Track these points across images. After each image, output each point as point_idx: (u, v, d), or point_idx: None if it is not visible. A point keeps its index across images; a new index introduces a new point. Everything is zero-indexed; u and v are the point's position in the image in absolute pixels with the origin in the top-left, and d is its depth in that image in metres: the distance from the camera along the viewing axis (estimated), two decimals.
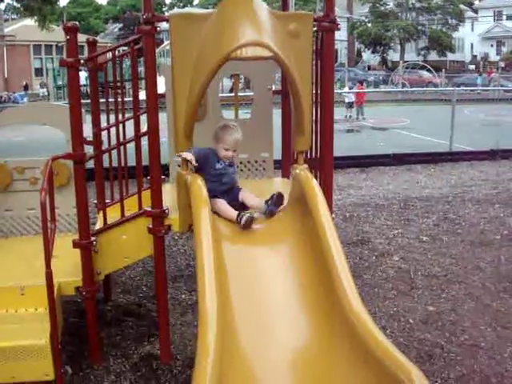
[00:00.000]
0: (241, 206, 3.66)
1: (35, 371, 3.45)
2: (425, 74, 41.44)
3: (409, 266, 5.89)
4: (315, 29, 3.82)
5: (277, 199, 3.56)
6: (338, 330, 2.80)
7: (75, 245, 3.79)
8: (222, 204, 3.60)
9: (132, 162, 4.14)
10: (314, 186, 3.41)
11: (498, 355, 4.17)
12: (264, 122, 4.85)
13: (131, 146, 4.09)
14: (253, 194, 3.76)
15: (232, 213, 3.52)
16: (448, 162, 12.19)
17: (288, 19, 3.52)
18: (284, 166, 4.95)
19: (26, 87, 38.94)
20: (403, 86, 35.48)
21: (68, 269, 3.93)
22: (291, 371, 2.76)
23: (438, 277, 5.60)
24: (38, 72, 44.96)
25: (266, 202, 3.58)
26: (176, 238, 6.77)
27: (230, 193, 3.72)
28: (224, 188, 3.71)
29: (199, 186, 3.38)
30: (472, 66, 55.44)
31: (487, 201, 8.68)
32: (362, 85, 26.00)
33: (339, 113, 21.76)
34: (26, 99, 29.91)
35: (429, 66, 41.41)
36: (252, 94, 5.07)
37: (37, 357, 3.41)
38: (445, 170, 11.44)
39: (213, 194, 3.56)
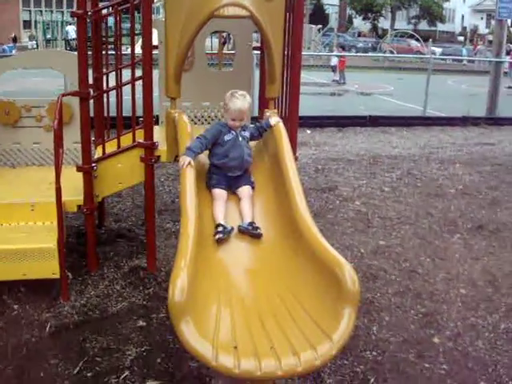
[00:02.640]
0: None
1: (44, 270, 4.16)
2: (413, 43, 41.91)
3: (368, 209, 6.67)
4: None
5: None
6: (295, 242, 3.48)
7: (79, 169, 4.46)
8: (215, 200, 3.64)
9: (127, 113, 4.75)
10: (280, 125, 4.10)
11: (431, 279, 4.97)
12: (244, 74, 5.54)
13: (127, 98, 4.68)
14: (250, 208, 3.70)
15: (216, 218, 3.52)
16: (421, 126, 12.95)
17: None
18: (260, 112, 5.63)
19: (14, 39, 38.83)
20: (391, 54, 35.92)
21: (71, 191, 4.59)
22: (255, 266, 3.49)
23: (391, 219, 6.39)
24: (27, 24, 44.75)
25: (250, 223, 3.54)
26: (162, 180, 7.48)
27: (239, 179, 3.76)
28: (232, 164, 3.73)
29: (185, 122, 4.07)
30: (461, 38, 55.94)
31: (450, 161, 9.46)
32: (343, 50, 26.86)
33: (324, 77, 22.41)
34: (14, 51, 29.93)
35: (417, 36, 41.82)
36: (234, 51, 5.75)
37: (46, 258, 4.12)
38: (417, 133, 12.17)
39: (216, 179, 3.70)
